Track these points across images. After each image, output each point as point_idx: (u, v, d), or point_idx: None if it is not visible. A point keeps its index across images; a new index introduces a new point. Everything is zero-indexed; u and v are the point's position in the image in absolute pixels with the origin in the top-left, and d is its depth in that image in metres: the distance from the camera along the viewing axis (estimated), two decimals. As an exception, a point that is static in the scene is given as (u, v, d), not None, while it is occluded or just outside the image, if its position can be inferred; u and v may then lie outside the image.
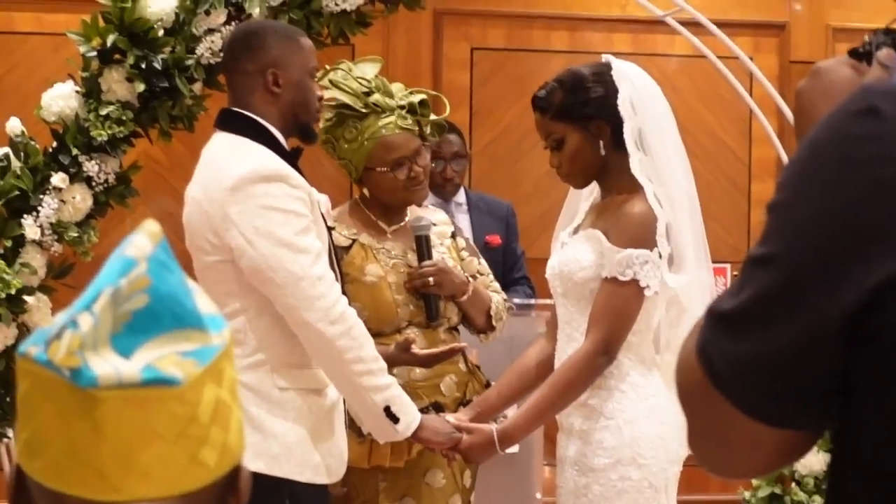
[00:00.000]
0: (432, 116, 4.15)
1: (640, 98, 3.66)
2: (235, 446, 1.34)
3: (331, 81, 4.04)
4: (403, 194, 4.08)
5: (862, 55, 1.64)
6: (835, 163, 1.36)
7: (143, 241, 1.29)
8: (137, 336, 1.27)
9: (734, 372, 1.40)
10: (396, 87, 4.12)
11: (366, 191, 4.16)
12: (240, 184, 3.47)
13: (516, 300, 5.26)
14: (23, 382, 1.30)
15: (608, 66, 3.71)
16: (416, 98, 4.10)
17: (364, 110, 4.03)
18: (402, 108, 4.06)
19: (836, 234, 1.34)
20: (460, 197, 6.26)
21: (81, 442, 1.26)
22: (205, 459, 1.30)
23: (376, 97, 4.04)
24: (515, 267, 6.18)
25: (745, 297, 1.40)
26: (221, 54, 4.89)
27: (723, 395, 1.42)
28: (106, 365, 1.25)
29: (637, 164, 3.63)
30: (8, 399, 5.03)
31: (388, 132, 4.03)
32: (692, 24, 5.99)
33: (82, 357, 1.25)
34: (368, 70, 4.11)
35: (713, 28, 5.67)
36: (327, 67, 4.09)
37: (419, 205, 4.23)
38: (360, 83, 4.05)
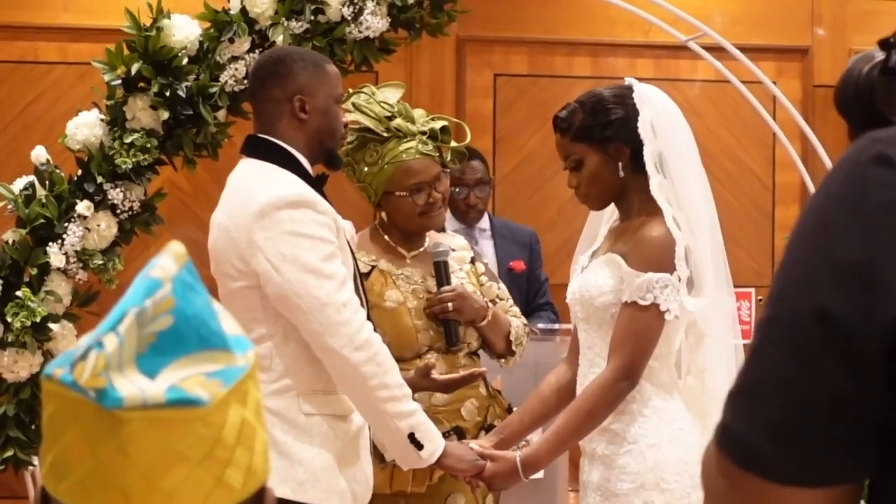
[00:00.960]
0: (453, 143, 4.16)
1: (661, 121, 3.66)
2: (261, 468, 1.34)
3: (353, 105, 4.05)
4: (420, 220, 4.08)
5: (892, 45, 1.64)
6: (847, 212, 1.37)
7: (168, 263, 1.29)
8: (162, 357, 1.27)
9: (764, 439, 1.37)
10: (418, 113, 4.13)
11: (384, 215, 4.16)
12: (266, 210, 3.47)
13: (540, 325, 5.26)
14: (48, 405, 1.30)
15: (630, 89, 3.70)
16: (438, 124, 4.12)
17: (385, 134, 4.04)
18: (423, 133, 4.08)
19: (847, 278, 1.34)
20: (484, 223, 6.26)
21: (107, 463, 1.26)
22: (230, 481, 1.30)
23: (398, 122, 4.05)
24: (539, 293, 6.18)
25: (757, 365, 1.39)
26: (245, 82, 4.92)
27: (752, 473, 1.38)
28: (131, 386, 1.25)
29: (657, 187, 3.62)
30: (33, 427, 5.05)
31: (409, 157, 4.03)
32: (715, 49, 5.99)
33: (108, 378, 1.25)
34: (391, 95, 4.12)
35: (737, 53, 5.68)
36: (350, 91, 4.10)
37: (437, 230, 4.23)
38: (382, 107, 4.06)
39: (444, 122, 4.16)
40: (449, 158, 4.16)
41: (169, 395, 1.26)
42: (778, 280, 1.41)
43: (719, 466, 1.41)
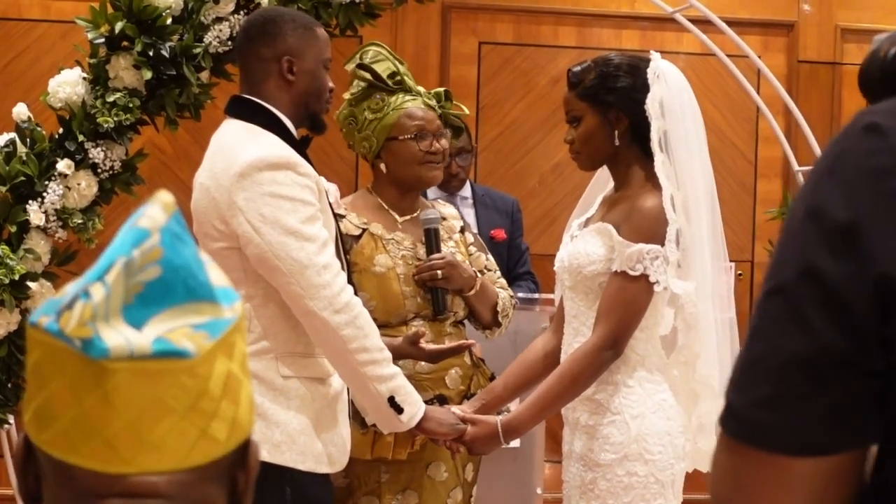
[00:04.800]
0: (459, 118, 4.23)
1: (672, 100, 3.65)
2: (245, 421, 1.33)
3: (362, 58, 4.11)
4: (420, 169, 4.08)
5: None
6: (835, 178, 1.38)
7: (156, 212, 1.28)
8: (149, 307, 1.26)
9: (765, 412, 1.37)
10: (420, 88, 4.21)
11: (383, 167, 4.14)
12: (247, 170, 3.46)
13: (520, 295, 5.25)
14: (33, 353, 1.29)
15: (647, 62, 3.69)
16: (441, 90, 4.22)
17: (394, 86, 4.08)
18: (428, 94, 4.16)
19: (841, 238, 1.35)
20: (466, 191, 6.25)
21: (92, 413, 1.25)
22: (215, 433, 1.29)
23: (406, 80, 4.12)
24: (520, 262, 6.18)
25: (757, 340, 1.40)
26: (229, 43, 4.90)
27: (757, 447, 1.38)
28: (117, 336, 1.24)
29: (660, 166, 3.62)
30: (9, 385, 5.03)
31: (415, 105, 4.08)
32: (700, 22, 5.98)
33: (94, 328, 1.24)
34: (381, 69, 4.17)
35: (723, 26, 5.66)
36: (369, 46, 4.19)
37: (430, 186, 4.25)
38: (397, 62, 4.11)
39: (448, 90, 4.24)
40: (450, 131, 4.23)
41: (156, 346, 1.25)
42: (775, 253, 1.42)
43: (725, 446, 1.42)
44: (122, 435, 1.25)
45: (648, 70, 3.67)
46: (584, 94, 3.70)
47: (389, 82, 4.09)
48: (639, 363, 3.62)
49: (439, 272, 4.03)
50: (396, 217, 4.15)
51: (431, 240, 4.09)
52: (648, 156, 3.64)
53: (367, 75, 4.09)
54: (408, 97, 4.10)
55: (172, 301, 1.27)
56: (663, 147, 3.63)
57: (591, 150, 3.71)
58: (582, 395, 3.64)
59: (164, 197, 1.30)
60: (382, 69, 4.09)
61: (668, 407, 3.60)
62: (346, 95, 4.15)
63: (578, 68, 3.74)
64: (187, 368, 1.26)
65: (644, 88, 3.64)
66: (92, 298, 1.24)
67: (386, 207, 4.16)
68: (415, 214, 4.17)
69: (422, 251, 4.10)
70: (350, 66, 4.13)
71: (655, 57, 3.73)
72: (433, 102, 4.15)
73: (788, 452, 1.37)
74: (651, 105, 3.63)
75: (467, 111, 4.36)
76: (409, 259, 4.08)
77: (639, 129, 3.64)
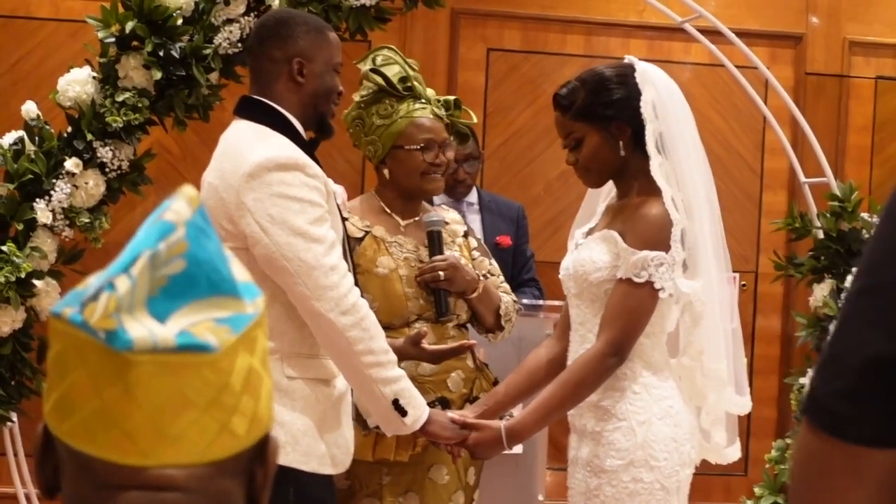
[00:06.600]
0: (468, 126, 4.22)
1: (663, 102, 3.66)
2: (265, 416, 1.33)
3: (374, 61, 4.12)
4: (421, 180, 4.09)
5: None
6: None
7: (181, 206, 1.28)
8: (173, 301, 1.26)
9: (847, 403, 1.40)
10: (430, 92, 4.19)
11: (386, 172, 4.15)
12: (256, 171, 3.47)
13: (525, 301, 5.26)
14: (56, 343, 1.29)
15: (632, 68, 3.70)
16: (451, 98, 4.21)
17: (404, 93, 4.09)
18: (438, 101, 4.15)
19: None
20: (472, 197, 6.26)
21: (113, 405, 1.25)
22: (235, 428, 1.29)
23: (416, 85, 4.11)
24: (525, 268, 6.18)
25: (844, 334, 1.42)
26: (239, 45, 4.91)
27: (836, 437, 1.41)
28: (141, 328, 1.24)
29: (657, 168, 3.62)
30: (13, 382, 5.03)
31: (423, 115, 4.08)
32: (708, 33, 5.99)
33: (118, 320, 1.24)
34: (390, 72, 4.16)
35: (732, 37, 5.67)
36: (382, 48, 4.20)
37: (433, 196, 4.25)
38: (408, 66, 4.11)
39: (458, 98, 4.24)
40: (452, 139, 4.22)
41: (179, 339, 1.25)
42: (869, 252, 1.44)
43: (807, 431, 1.44)
44: (143, 427, 1.26)
45: (636, 75, 3.67)
46: (581, 114, 3.68)
47: (400, 87, 4.09)
48: (645, 369, 3.63)
49: (441, 274, 4.04)
50: (399, 221, 4.16)
51: (434, 242, 4.10)
52: None
53: (379, 80, 4.09)
54: (417, 105, 4.10)
55: (196, 295, 1.27)
56: (660, 149, 3.64)
57: (600, 167, 3.70)
58: (588, 402, 3.64)
59: (189, 191, 1.30)
60: (393, 73, 4.10)
61: (674, 413, 3.60)
62: (356, 97, 4.16)
63: (565, 90, 3.72)
64: (210, 362, 1.27)
65: (638, 95, 3.65)
66: (117, 290, 1.24)
67: (388, 211, 4.16)
68: (417, 218, 4.18)
69: (424, 253, 4.10)
70: (364, 67, 4.13)
71: (635, 61, 3.73)
72: (442, 111, 4.15)
73: (862, 443, 1.40)
74: (645, 108, 3.64)
75: (476, 120, 4.35)
76: (412, 261, 4.09)
77: (640, 136, 3.65)
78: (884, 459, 1.40)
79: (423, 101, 4.12)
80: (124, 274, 1.25)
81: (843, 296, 5.43)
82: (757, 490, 5.67)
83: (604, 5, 8.14)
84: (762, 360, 8.22)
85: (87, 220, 4.93)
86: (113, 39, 4.90)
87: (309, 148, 3.62)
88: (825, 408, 1.41)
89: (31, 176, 4.89)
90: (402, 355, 3.82)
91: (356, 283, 3.57)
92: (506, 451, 3.77)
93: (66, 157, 4.90)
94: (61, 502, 1.33)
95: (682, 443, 3.60)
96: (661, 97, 3.66)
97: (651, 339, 3.63)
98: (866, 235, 5.55)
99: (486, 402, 3.85)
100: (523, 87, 8.01)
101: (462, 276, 4.08)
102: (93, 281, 1.27)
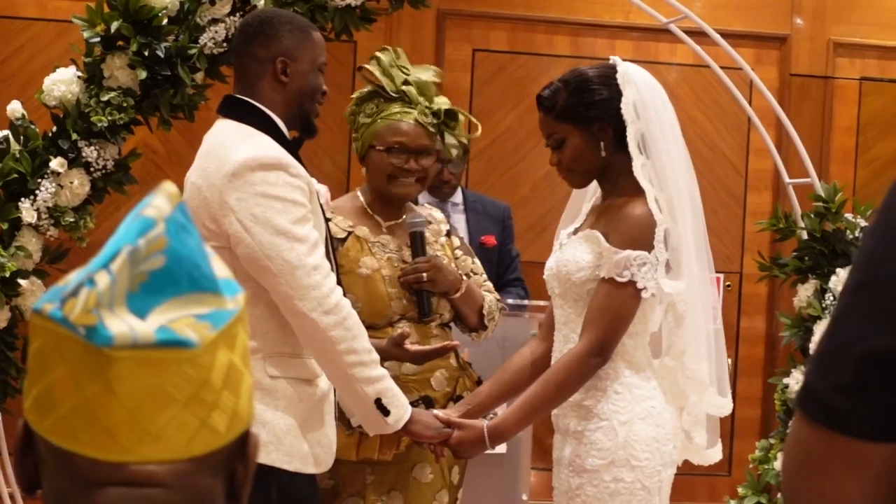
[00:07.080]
0: (462, 140, 4.19)
1: (644, 102, 3.66)
2: (246, 413, 1.34)
3: (376, 59, 4.13)
4: (388, 184, 4.09)
5: None
6: None
7: (161, 203, 1.29)
8: (153, 297, 1.27)
9: (843, 397, 1.41)
10: (441, 100, 4.17)
11: (364, 170, 4.18)
12: (239, 170, 3.47)
13: (509, 301, 5.27)
14: (36, 339, 1.29)
15: (613, 69, 3.71)
16: (446, 107, 4.16)
17: (393, 95, 4.08)
18: (428, 108, 4.11)
19: None
20: (457, 197, 6.27)
21: (93, 401, 1.26)
22: (215, 424, 1.30)
23: (409, 89, 4.10)
24: (510, 268, 6.19)
25: (840, 328, 1.43)
26: (225, 45, 4.91)
27: (833, 430, 1.42)
28: (122, 324, 1.25)
29: (640, 168, 3.63)
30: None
31: (402, 119, 4.07)
32: (693, 34, 6.00)
33: (98, 315, 1.24)
34: (421, 73, 4.15)
35: (718, 38, 5.68)
36: (386, 48, 4.21)
37: (404, 201, 4.22)
38: (401, 71, 4.10)
39: (457, 111, 4.20)
40: (455, 154, 4.20)
41: (159, 335, 1.25)
42: (865, 248, 1.45)
43: (802, 425, 1.45)
44: (123, 423, 1.26)
45: (617, 76, 3.68)
46: (564, 115, 3.69)
47: (390, 89, 4.09)
48: (627, 369, 3.63)
49: (424, 275, 4.04)
50: (381, 221, 4.16)
51: (417, 243, 4.10)
52: None
53: (373, 79, 4.10)
54: (399, 108, 4.09)
55: (176, 291, 1.28)
56: (643, 149, 3.65)
57: (583, 167, 3.71)
58: (571, 401, 3.65)
59: (169, 187, 1.30)
60: (394, 75, 4.11)
61: (656, 413, 3.61)
62: (356, 94, 4.19)
63: (548, 91, 3.73)
64: (190, 358, 1.27)
65: (619, 95, 3.66)
66: (97, 286, 1.24)
67: (370, 212, 4.17)
68: (399, 221, 4.18)
69: (407, 254, 4.11)
70: (374, 68, 4.12)
71: (618, 62, 3.74)
72: (429, 119, 4.12)
73: (860, 437, 1.41)
74: (626, 109, 3.65)
75: (466, 140, 4.28)
76: (395, 261, 4.09)
77: (623, 137, 3.66)
78: (881, 453, 1.41)
79: (414, 104, 4.12)
80: (104, 270, 1.25)
81: (828, 295, 5.45)
82: (741, 490, 5.68)
83: (590, 6, 8.15)
84: (746, 360, 8.24)
85: (71, 220, 4.93)
86: (98, 39, 4.89)
87: (292, 147, 3.62)
88: (823, 401, 1.42)
89: (15, 175, 4.89)
90: (386, 356, 3.82)
91: (339, 283, 3.57)
92: (489, 451, 3.78)
93: (52, 157, 4.90)
94: (42, 499, 1.34)
95: (663, 443, 3.61)
96: (643, 97, 3.66)
97: (634, 339, 3.64)
98: (850, 236, 5.56)
99: (469, 402, 3.85)
100: (509, 87, 8.02)
101: (445, 276, 4.08)
102: (73, 277, 1.27)
